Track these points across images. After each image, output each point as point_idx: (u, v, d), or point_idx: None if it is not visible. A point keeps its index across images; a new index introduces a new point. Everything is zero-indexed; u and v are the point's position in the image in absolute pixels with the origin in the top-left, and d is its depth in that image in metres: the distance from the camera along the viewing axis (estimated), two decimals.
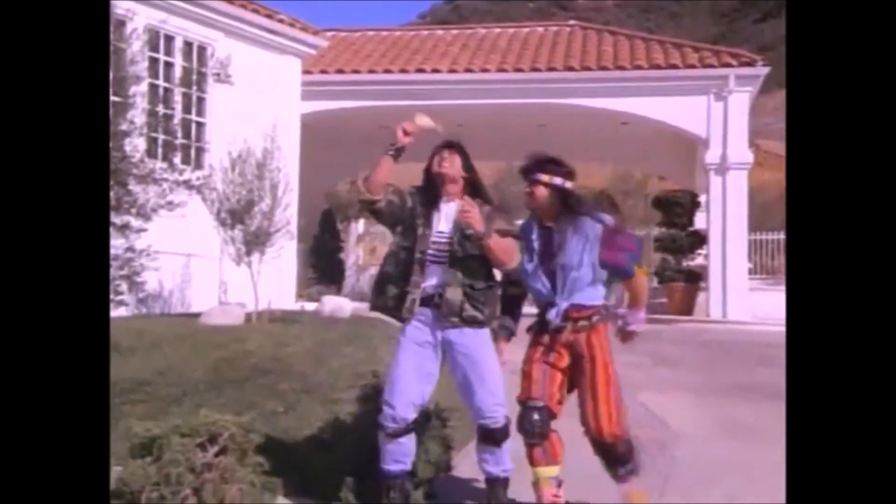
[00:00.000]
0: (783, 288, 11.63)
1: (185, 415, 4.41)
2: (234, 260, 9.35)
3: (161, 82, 10.48)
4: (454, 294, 4.16)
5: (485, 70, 15.67)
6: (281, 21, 12.41)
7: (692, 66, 15.17)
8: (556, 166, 4.37)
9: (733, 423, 6.65)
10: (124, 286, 7.60)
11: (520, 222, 4.62)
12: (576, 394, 4.33)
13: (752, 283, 15.82)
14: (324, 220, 17.33)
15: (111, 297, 7.04)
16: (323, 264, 16.65)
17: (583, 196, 4.49)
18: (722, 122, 14.99)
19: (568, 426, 4.31)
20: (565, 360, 4.31)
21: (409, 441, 4.22)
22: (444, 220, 4.26)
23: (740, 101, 15.07)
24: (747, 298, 14.79)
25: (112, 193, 7.14)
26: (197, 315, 9.23)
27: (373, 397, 4.74)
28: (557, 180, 4.33)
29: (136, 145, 7.93)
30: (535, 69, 15.51)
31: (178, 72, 10.81)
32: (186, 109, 10.88)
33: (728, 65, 15.10)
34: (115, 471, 3.54)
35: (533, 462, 4.30)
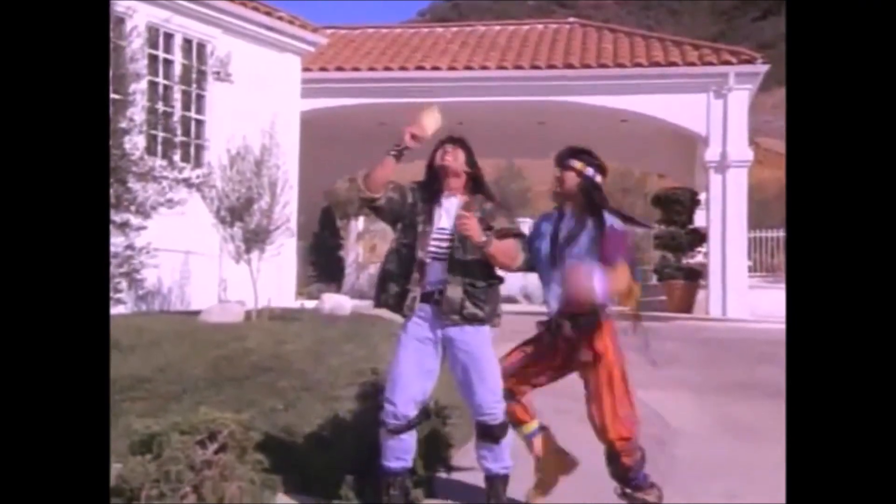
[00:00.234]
0: (783, 286, 11.66)
1: (184, 412, 4.40)
2: (234, 257, 9.35)
3: (161, 80, 10.47)
4: (455, 291, 4.16)
5: (484, 67, 15.65)
6: (280, 18, 12.39)
7: (692, 64, 15.14)
8: (590, 157, 4.39)
9: (733, 421, 6.63)
10: (124, 284, 7.61)
11: (520, 220, 4.61)
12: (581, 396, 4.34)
13: (752, 281, 15.83)
14: (323, 218, 17.33)
15: (111, 294, 7.04)
16: (322, 262, 16.65)
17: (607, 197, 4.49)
18: (721, 120, 14.97)
19: (568, 426, 4.31)
20: (559, 357, 4.30)
21: (411, 438, 4.22)
22: (446, 216, 4.25)
23: (740, 98, 15.05)
24: (747, 296, 14.79)
25: (112, 191, 7.14)
26: (197, 313, 9.22)
27: (372, 395, 4.74)
28: (589, 171, 4.36)
29: (135, 143, 7.93)
30: (534, 67, 15.49)
31: (177, 69, 10.79)
32: (186, 107, 10.87)
33: (728, 62, 15.09)
34: (115, 468, 3.54)
35: (518, 421, 4.39)
